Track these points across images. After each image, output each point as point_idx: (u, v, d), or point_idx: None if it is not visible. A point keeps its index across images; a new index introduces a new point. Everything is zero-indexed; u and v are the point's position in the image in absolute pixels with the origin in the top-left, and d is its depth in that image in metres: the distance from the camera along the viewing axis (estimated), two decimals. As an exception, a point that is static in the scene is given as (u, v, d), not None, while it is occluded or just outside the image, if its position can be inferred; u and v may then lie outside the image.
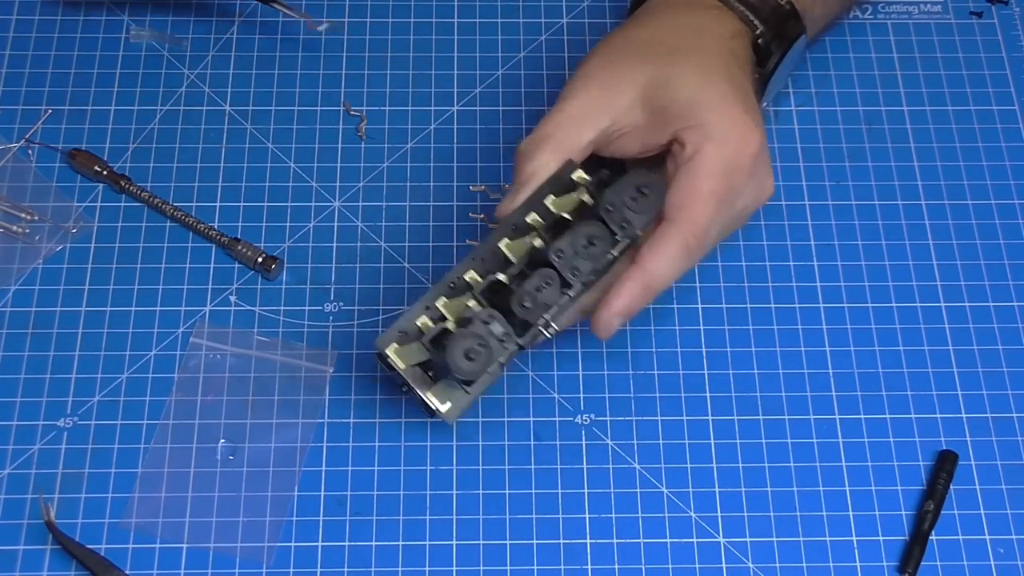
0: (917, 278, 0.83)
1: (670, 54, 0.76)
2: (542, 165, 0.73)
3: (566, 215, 0.72)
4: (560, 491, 0.76)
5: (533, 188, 0.73)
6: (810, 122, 0.89)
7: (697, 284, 0.82)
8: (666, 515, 0.75)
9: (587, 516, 0.75)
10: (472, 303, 0.71)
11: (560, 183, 0.73)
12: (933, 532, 0.75)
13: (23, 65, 0.89)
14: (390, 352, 0.70)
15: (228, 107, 0.88)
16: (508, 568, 0.73)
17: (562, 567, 0.73)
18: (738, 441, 0.77)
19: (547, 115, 0.75)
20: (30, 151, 0.86)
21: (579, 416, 0.78)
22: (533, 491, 0.76)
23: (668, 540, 0.74)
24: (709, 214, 0.72)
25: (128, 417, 0.77)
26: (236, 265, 0.82)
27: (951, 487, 0.76)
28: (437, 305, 0.71)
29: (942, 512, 0.75)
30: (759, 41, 0.80)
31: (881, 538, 0.75)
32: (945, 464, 0.76)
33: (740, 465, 0.77)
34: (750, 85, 0.77)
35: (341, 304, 0.81)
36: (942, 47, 0.93)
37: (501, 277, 0.71)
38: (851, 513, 0.75)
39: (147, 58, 0.89)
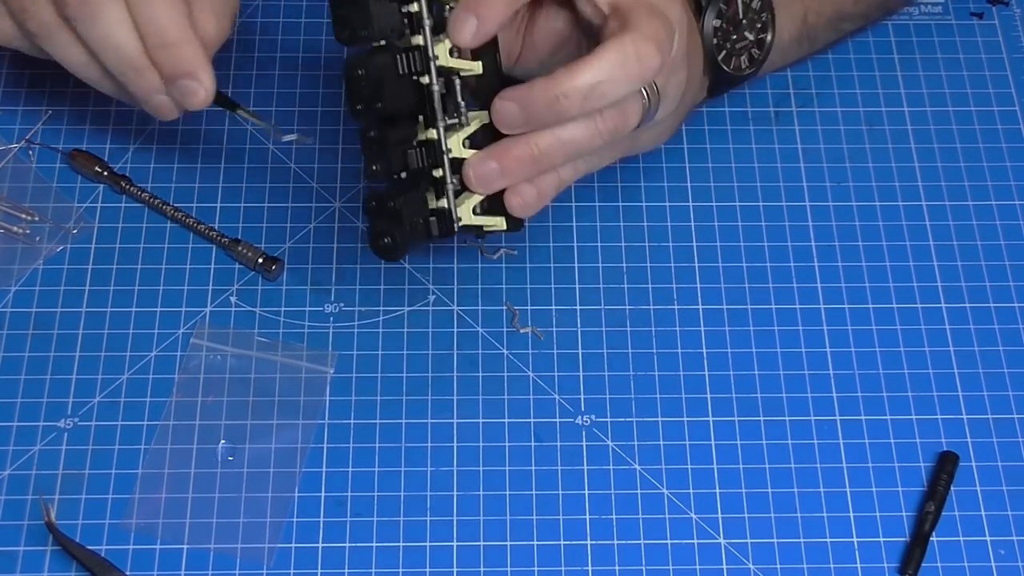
0: (918, 279, 0.83)
1: None
2: None
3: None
4: (560, 492, 0.76)
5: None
6: (810, 123, 0.89)
7: (698, 285, 0.82)
8: (667, 516, 0.75)
9: (588, 517, 0.75)
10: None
11: None
12: (934, 533, 0.75)
13: (24, 65, 0.89)
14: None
15: (228, 108, 0.88)
16: (509, 569, 0.73)
17: (563, 568, 0.73)
18: (739, 442, 0.77)
19: None
20: (30, 152, 0.86)
21: (580, 417, 0.78)
22: (534, 492, 0.75)
23: (669, 541, 0.74)
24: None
25: (128, 418, 0.77)
26: (237, 266, 0.82)
27: (952, 488, 0.76)
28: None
29: (943, 513, 0.75)
30: None
31: (882, 539, 0.75)
32: (946, 465, 0.76)
33: (741, 466, 0.77)
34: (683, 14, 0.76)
35: (342, 305, 0.81)
36: (942, 48, 0.93)
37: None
38: (852, 514, 0.75)
39: (147, 58, 0.89)
